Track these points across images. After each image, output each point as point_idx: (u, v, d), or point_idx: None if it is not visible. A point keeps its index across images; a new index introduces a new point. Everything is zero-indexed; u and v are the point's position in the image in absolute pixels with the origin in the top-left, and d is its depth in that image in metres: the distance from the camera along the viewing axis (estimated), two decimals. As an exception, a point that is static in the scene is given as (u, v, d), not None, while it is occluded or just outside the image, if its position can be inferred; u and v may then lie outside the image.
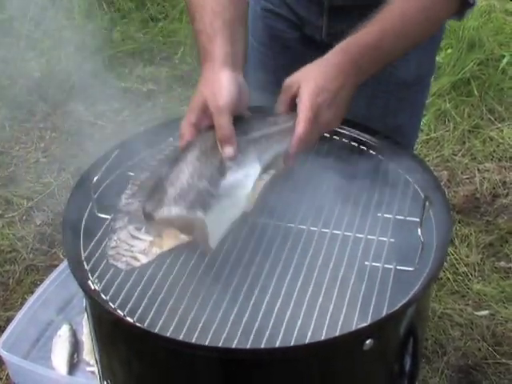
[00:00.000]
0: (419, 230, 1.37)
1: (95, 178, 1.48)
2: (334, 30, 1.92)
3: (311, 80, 1.47)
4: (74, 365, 2.47)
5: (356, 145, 1.66)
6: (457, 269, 2.95)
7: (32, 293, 2.65)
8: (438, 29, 1.65)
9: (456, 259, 2.98)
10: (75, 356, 2.49)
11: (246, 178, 1.45)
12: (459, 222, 3.14)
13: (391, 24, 1.54)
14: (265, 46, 2.02)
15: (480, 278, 2.92)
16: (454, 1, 1.58)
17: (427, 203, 1.43)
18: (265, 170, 1.48)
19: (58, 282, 2.63)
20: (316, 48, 1.96)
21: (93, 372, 2.43)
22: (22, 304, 2.67)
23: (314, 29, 1.93)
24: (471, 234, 3.10)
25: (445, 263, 2.93)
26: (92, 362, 2.46)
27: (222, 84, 1.48)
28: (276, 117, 1.53)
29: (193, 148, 1.45)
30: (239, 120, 1.49)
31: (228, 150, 1.44)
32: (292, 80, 1.51)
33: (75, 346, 2.51)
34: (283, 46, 1.98)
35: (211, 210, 1.36)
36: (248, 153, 1.47)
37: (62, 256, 2.95)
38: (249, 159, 1.46)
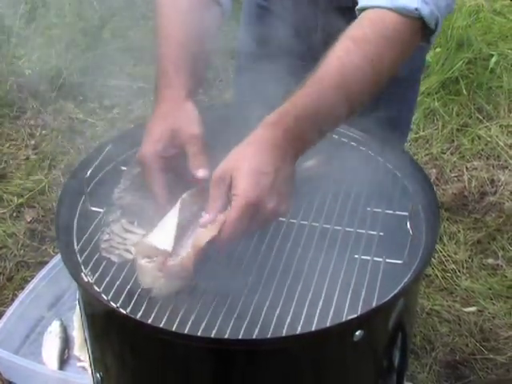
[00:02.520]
0: (408, 224, 1.39)
1: (88, 172, 1.50)
2: (330, 29, 1.93)
3: (245, 169, 1.29)
4: (64, 360, 2.48)
5: (346, 140, 1.68)
6: (445, 266, 2.97)
7: (22, 289, 2.66)
8: (396, 70, 1.46)
9: (444, 256, 3.00)
10: (66, 352, 2.50)
11: None
12: (447, 220, 3.17)
13: (328, 84, 1.36)
14: (259, 43, 2.03)
15: (468, 275, 2.94)
16: (412, 36, 1.45)
17: (416, 197, 1.46)
18: None
19: (48, 279, 2.63)
20: (310, 45, 1.98)
21: (83, 367, 2.44)
22: (12, 300, 2.68)
23: (308, 28, 1.94)
24: (459, 231, 3.12)
25: (433, 260, 2.96)
26: (83, 357, 2.47)
27: (192, 114, 1.47)
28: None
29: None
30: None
31: (203, 172, 1.41)
32: (223, 171, 1.32)
33: (66, 342, 2.52)
34: (278, 43, 1.99)
35: None
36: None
37: (52, 252, 2.96)
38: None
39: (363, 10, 1.46)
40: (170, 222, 1.38)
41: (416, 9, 1.41)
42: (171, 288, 1.35)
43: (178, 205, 1.40)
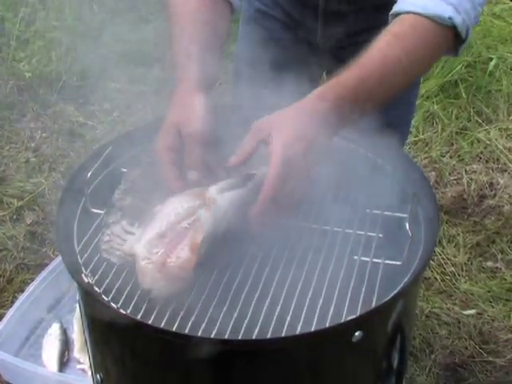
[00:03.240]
0: (407, 225, 1.39)
1: (89, 174, 1.50)
2: (329, 33, 1.93)
3: (284, 129, 1.38)
4: (64, 362, 2.49)
5: (345, 142, 1.68)
6: (444, 268, 2.98)
7: (22, 291, 2.66)
8: (426, 71, 1.59)
9: (443, 259, 3.00)
10: (66, 354, 2.51)
11: None
12: (447, 223, 3.17)
13: (370, 70, 1.45)
14: (258, 47, 2.04)
15: (467, 278, 2.95)
16: (443, 42, 1.52)
17: (415, 199, 1.46)
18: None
19: (48, 281, 2.64)
20: (310, 49, 1.99)
21: (83, 369, 2.45)
22: (12, 302, 2.68)
23: (308, 31, 1.94)
24: (459, 234, 3.13)
25: (432, 263, 2.96)
26: (82, 359, 2.48)
27: (197, 109, 1.48)
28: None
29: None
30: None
31: (191, 174, 1.45)
32: (263, 124, 1.42)
33: (66, 344, 2.52)
34: (277, 47, 1.99)
35: None
36: None
37: (52, 255, 2.97)
38: None
39: (398, 14, 1.51)
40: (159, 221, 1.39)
41: (449, 17, 1.46)
42: (171, 289, 1.36)
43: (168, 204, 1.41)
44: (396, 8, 1.53)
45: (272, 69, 1.85)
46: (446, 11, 1.46)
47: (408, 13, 1.49)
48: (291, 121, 1.40)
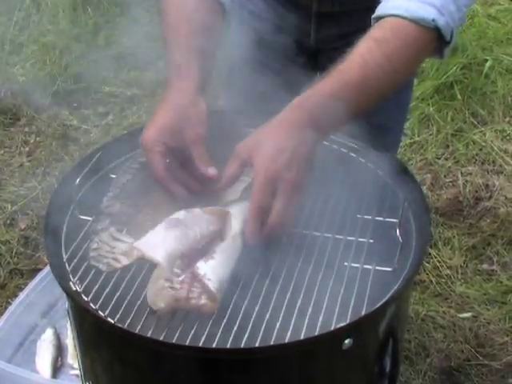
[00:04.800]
0: (397, 231, 1.38)
1: (77, 180, 1.49)
2: (322, 35, 1.93)
3: (264, 146, 1.38)
4: (58, 368, 2.47)
5: (336, 147, 1.68)
6: (440, 271, 2.97)
7: (16, 296, 2.65)
8: (411, 74, 1.57)
9: (439, 262, 3.00)
10: (59, 359, 2.49)
11: None
12: (442, 225, 3.16)
13: (349, 76, 1.43)
14: (251, 50, 2.03)
15: (463, 281, 2.94)
16: (427, 45, 1.50)
17: (406, 204, 1.45)
18: None
19: (42, 286, 2.62)
20: (304, 51, 1.98)
21: (77, 375, 2.43)
22: (5, 308, 2.67)
23: (301, 33, 1.94)
24: (454, 236, 3.12)
25: (428, 266, 2.96)
26: (76, 365, 2.46)
27: (202, 112, 1.50)
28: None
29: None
30: None
31: (211, 171, 1.47)
32: (244, 147, 1.42)
33: (59, 350, 2.51)
34: (270, 49, 1.99)
35: None
36: None
37: (46, 260, 2.95)
38: None
39: (380, 18, 1.49)
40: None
41: (433, 19, 1.44)
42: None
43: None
44: (378, 11, 1.51)
45: (264, 71, 1.85)
46: (429, 13, 1.44)
47: (390, 16, 1.47)
48: (270, 136, 1.39)
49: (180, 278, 1.34)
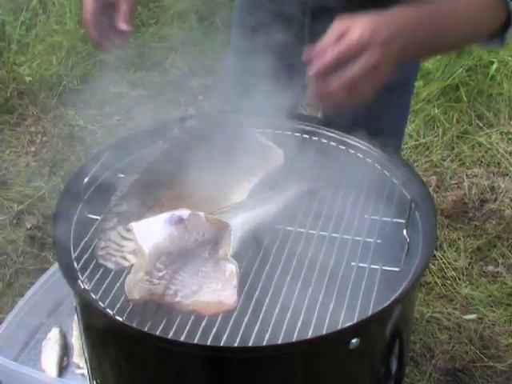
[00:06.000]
0: (405, 231, 1.39)
1: (86, 179, 1.50)
2: (318, 29, 1.93)
3: (363, 20, 1.39)
4: (63, 367, 2.47)
5: (343, 148, 1.68)
6: (445, 273, 2.97)
7: (22, 296, 2.65)
8: (478, 39, 1.58)
9: (444, 263, 2.99)
10: (65, 359, 2.49)
11: None
12: (447, 227, 3.16)
13: (442, 12, 1.46)
14: (251, 37, 2.03)
15: (468, 282, 2.94)
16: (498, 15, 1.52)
17: (413, 205, 1.45)
18: None
19: (48, 285, 2.63)
20: (300, 44, 1.98)
21: (82, 374, 2.44)
22: (11, 307, 2.67)
23: (297, 26, 1.94)
24: (459, 238, 3.11)
25: (433, 267, 2.95)
26: (82, 364, 2.47)
27: None
28: None
29: None
30: None
31: (122, 26, 1.64)
32: (344, 20, 1.43)
33: (65, 349, 2.51)
34: (269, 37, 1.99)
35: None
36: None
37: (52, 259, 2.96)
38: None
39: None
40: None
41: None
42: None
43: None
44: None
45: (264, 59, 1.84)
46: None
47: None
48: (371, 17, 1.39)
49: (160, 274, 1.35)
